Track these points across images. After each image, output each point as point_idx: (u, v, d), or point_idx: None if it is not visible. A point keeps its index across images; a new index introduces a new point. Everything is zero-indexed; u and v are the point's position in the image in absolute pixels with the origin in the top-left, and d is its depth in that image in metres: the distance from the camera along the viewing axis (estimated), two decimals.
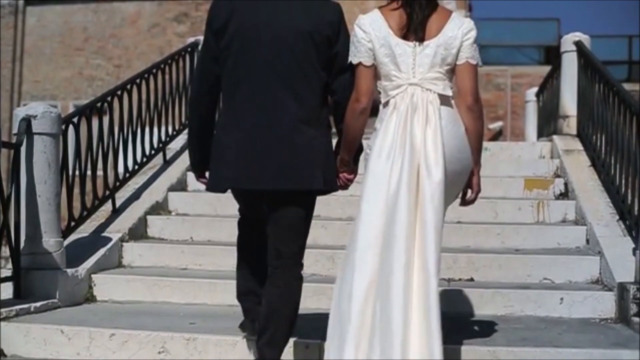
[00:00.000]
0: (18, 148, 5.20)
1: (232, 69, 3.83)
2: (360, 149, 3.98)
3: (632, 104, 5.85)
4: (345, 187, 4.05)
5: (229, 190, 4.07)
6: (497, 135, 20.54)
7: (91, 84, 20.97)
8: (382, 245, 3.53)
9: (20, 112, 5.31)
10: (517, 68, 20.65)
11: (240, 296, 4.25)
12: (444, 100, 3.75)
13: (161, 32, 20.81)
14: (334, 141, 4.00)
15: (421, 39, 3.76)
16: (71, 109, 20.71)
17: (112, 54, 20.93)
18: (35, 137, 5.27)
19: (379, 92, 3.86)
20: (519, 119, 18.97)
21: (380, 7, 3.86)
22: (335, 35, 3.85)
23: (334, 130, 4.02)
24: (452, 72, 3.83)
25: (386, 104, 3.78)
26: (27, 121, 5.25)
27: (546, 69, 18.37)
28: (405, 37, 3.76)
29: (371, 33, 3.77)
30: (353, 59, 3.80)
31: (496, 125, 20.40)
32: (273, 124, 3.76)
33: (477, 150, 3.87)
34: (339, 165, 3.97)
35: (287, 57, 3.78)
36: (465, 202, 4.03)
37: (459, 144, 3.75)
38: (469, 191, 3.99)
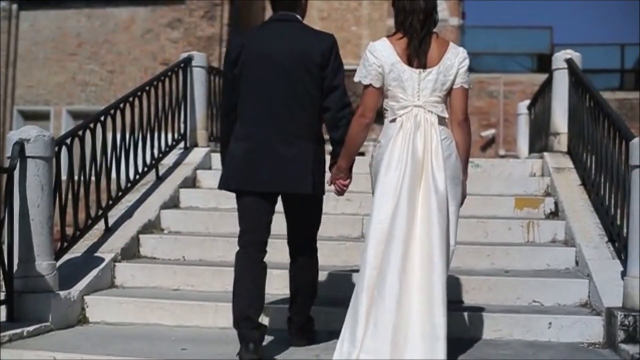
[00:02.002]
0: (11, 172, 5.22)
1: (243, 91, 4.60)
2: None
3: (621, 128, 5.89)
4: (341, 192, 4.72)
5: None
6: (489, 143, 20.62)
7: (84, 89, 21.01)
8: (386, 241, 4.14)
9: (13, 136, 5.34)
10: (509, 76, 20.75)
11: (237, 322, 4.51)
12: (441, 120, 4.36)
13: (154, 38, 20.85)
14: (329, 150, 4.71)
15: (424, 66, 4.33)
16: (64, 114, 20.78)
17: (105, 59, 20.97)
18: (29, 160, 5.30)
19: (385, 110, 4.42)
20: (511, 126, 19.06)
21: (388, 36, 4.45)
22: (326, 61, 4.56)
23: (327, 137, 4.67)
24: (447, 96, 4.42)
25: (393, 120, 4.36)
26: (20, 145, 5.28)
27: (539, 76, 18.48)
28: (409, 63, 4.33)
29: (381, 59, 4.33)
30: (364, 80, 4.37)
31: (489, 132, 20.48)
32: (272, 137, 4.52)
33: (465, 161, 4.50)
34: (336, 172, 4.63)
35: (284, 82, 4.54)
36: None
37: (453, 156, 4.36)
38: None
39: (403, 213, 4.13)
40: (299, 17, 4.71)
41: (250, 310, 4.47)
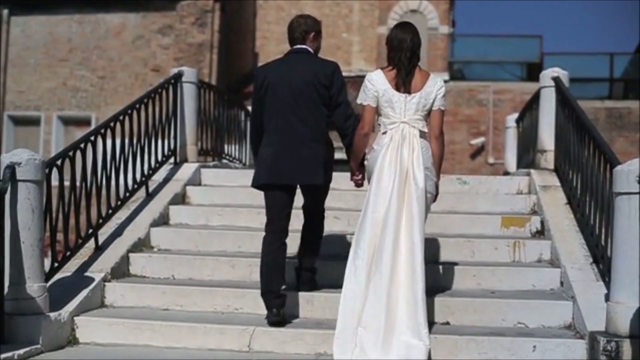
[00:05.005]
0: (2, 195, 5.26)
1: (268, 108, 5.89)
2: (363, 158, 5.78)
3: (606, 152, 5.96)
4: (360, 184, 5.94)
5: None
6: (479, 151, 20.70)
7: (75, 94, 21.02)
8: (381, 228, 5.28)
9: (4, 159, 5.38)
10: (499, 84, 20.82)
11: (263, 294, 5.73)
12: (422, 134, 5.55)
13: (145, 44, 20.88)
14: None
15: (409, 92, 5.55)
16: (55, 120, 20.78)
17: (96, 65, 20.99)
18: (20, 184, 5.35)
19: (379, 125, 5.62)
20: (500, 134, 19.09)
21: (382, 68, 5.69)
22: (331, 83, 5.85)
23: (339, 145, 5.90)
24: (427, 115, 5.61)
25: (384, 133, 5.55)
26: (11, 168, 5.32)
27: (528, 85, 18.58)
28: (397, 89, 5.54)
29: (376, 86, 5.57)
30: (363, 101, 5.61)
31: (478, 141, 20.56)
32: (291, 142, 5.77)
33: (439, 166, 5.69)
34: (350, 172, 5.88)
35: (299, 99, 5.80)
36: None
37: (429, 164, 5.52)
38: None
39: (394, 208, 5.30)
40: (309, 49, 5.96)
41: (272, 284, 5.67)
